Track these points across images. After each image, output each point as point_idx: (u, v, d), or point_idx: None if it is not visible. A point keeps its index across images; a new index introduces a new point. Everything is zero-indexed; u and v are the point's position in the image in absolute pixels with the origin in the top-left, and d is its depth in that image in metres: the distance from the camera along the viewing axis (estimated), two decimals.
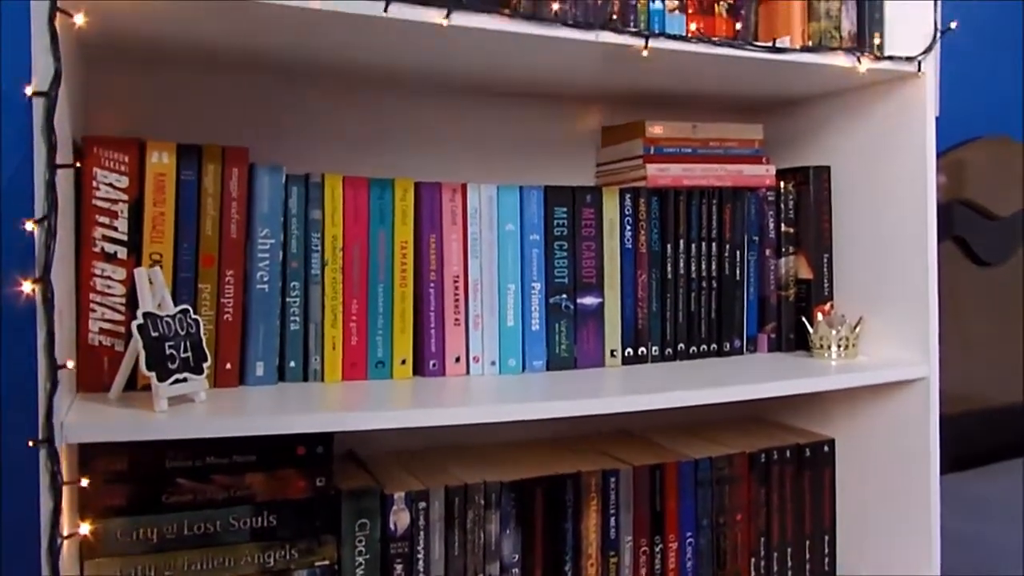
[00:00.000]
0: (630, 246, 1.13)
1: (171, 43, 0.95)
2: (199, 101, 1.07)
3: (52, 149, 0.73)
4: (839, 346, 1.14)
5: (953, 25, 1.12)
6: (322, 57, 1.01)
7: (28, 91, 0.72)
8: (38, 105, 0.72)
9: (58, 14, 0.73)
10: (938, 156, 1.70)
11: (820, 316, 1.18)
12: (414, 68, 1.07)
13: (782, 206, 1.24)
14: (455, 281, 1.04)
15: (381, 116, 1.16)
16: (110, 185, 0.88)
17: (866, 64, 1.07)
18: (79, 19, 0.76)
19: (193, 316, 0.85)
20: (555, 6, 0.93)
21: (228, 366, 0.92)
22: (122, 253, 0.88)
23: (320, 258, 0.97)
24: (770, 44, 1.03)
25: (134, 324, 0.78)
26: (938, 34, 1.11)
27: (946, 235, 1.68)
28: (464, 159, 1.21)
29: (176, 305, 0.84)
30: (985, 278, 1.74)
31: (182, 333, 0.82)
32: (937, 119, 1.68)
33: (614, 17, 1.00)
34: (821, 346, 1.16)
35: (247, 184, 0.94)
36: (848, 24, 1.16)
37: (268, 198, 0.95)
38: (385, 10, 0.83)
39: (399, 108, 1.17)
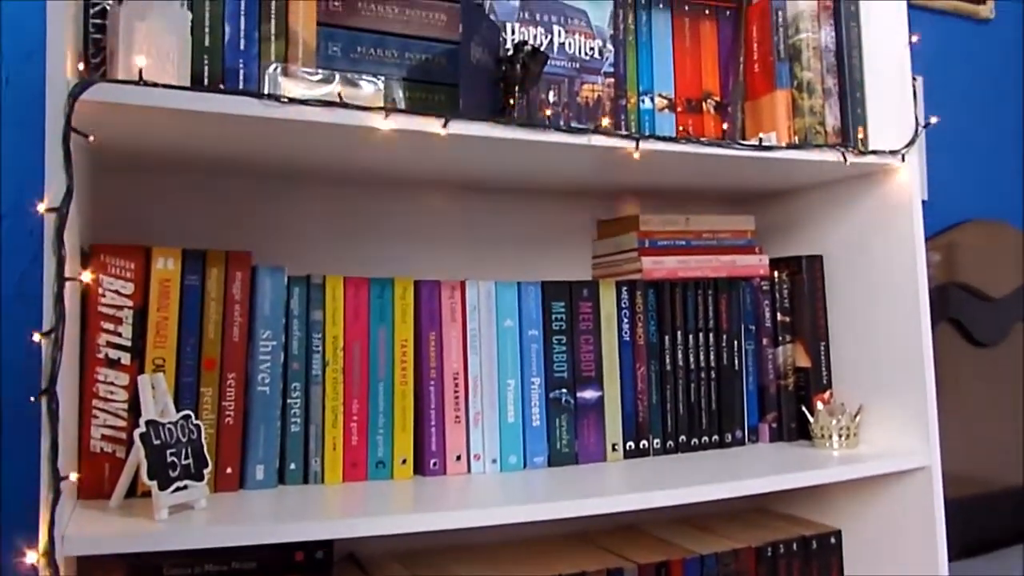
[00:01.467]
0: (628, 339, 1.14)
1: (175, 151, 0.98)
2: (202, 203, 1.10)
3: (61, 262, 0.74)
4: (840, 435, 1.14)
5: (933, 120, 1.16)
6: (323, 161, 1.04)
7: (40, 207, 0.74)
8: (49, 220, 0.75)
9: (73, 135, 0.76)
10: (931, 238, 1.74)
11: (820, 405, 1.18)
12: (413, 169, 1.10)
13: (777, 295, 1.25)
14: (455, 378, 1.04)
15: (380, 214, 1.19)
16: (116, 292, 0.90)
17: (851, 159, 1.10)
18: (91, 139, 0.79)
19: (195, 422, 0.85)
20: (548, 112, 0.97)
21: (229, 470, 0.92)
22: (125, 359, 0.89)
23: (321, 358, 0.98)
24: (756, 143, 1.06)
25: (137, 433, 0.79)
26: (920, 128, 1.14)
27: (943, 317, 1.70)
28: (463, 254, 1.23)
29: (178, 410, 0.85)
30: (983, 358, 1.75)
31: (184, 440, 0.83)
32: (927, 203, 1.73)
33: (605, 122, 1.03)
34: (822, 435, 1.15)
35: (250, 287, 0.95)
36: (832, 119, 1.20)
37: (270, 300, 0.96)
38: (385, 120, 0.86)
39: (398, 205, 1.20)
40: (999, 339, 1.77)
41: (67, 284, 0.75)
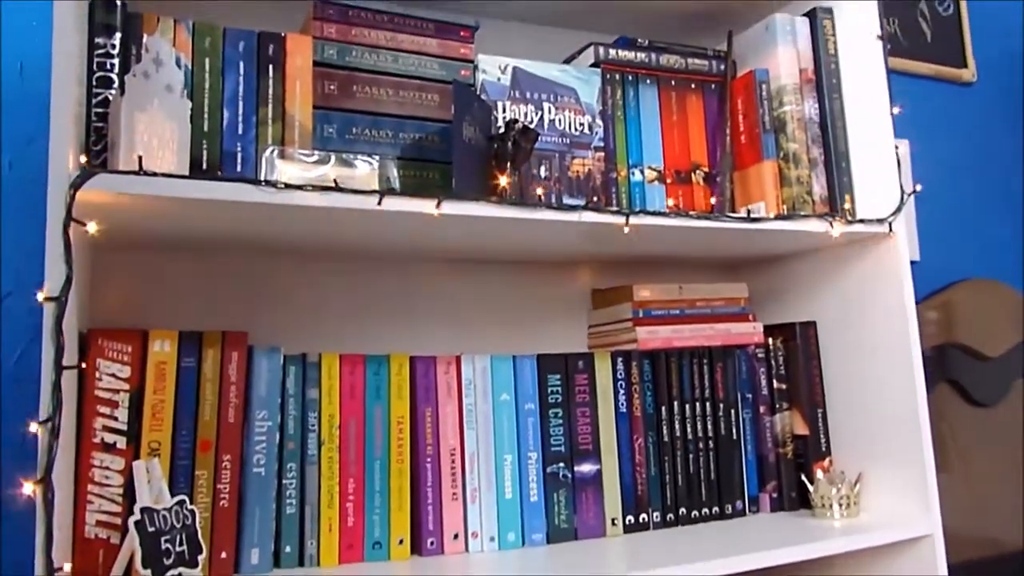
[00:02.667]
0: (625, 410, 1.14)
1: (173, 233, 1.00)
2: (199, 279, 1.11)
3: (60, 351, 0.75)
4: (841, 505, 1.13)
5: (918, 188, 1.18)
6: (318, 239, 1.06)
7: (40, 296, 0.75)
8: (49, 309, 0.75)
9: (72, 224, 0.77)
10: (926, 299, 1.75)
11: (820, 474, 1.17)
12: (408, 244, 1.12)
13: (772, 363, 1.26)
14: (452, 454, 1.04)
15: (375, 288, 1.20)
16: (112, 375, 0.90)
17: (838, 228, 1.12)
18: (92, 227, 0.81)
19: (189, 507, 0.84)
20: (539, 191, 0.99)
21: (223, 555, 0.91)
22: (121, 443, 0.89)
23: (317, 437, 0.98)
24: (744, 215, 1.08)
25: (131, 520, 0.78)
26: (905, 196, 1.16)
27: (941, 378, 1.70)
28: (458, 327, 1.24)
29: (173, 495, 0.84)
30: (983, 419, 1.74)
31: (178, 526, 0.82)
32: (919, 263, 1.75)
33: (596, 199, 1.05)
34: (823, 505, 1.14)
35: (246, 367, 0.96)
36: (819, 188, 1.22)
37: (266, 380, 0.97)
38: (379, 203, 0.88)
39: (393, 279, 1.21)
40: (998, 399, 1.77)
41: (64, 372, 0.75)
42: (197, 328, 0.99)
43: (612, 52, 1.21)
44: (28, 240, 1.10)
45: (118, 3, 0.95)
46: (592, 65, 1.21)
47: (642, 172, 1.20)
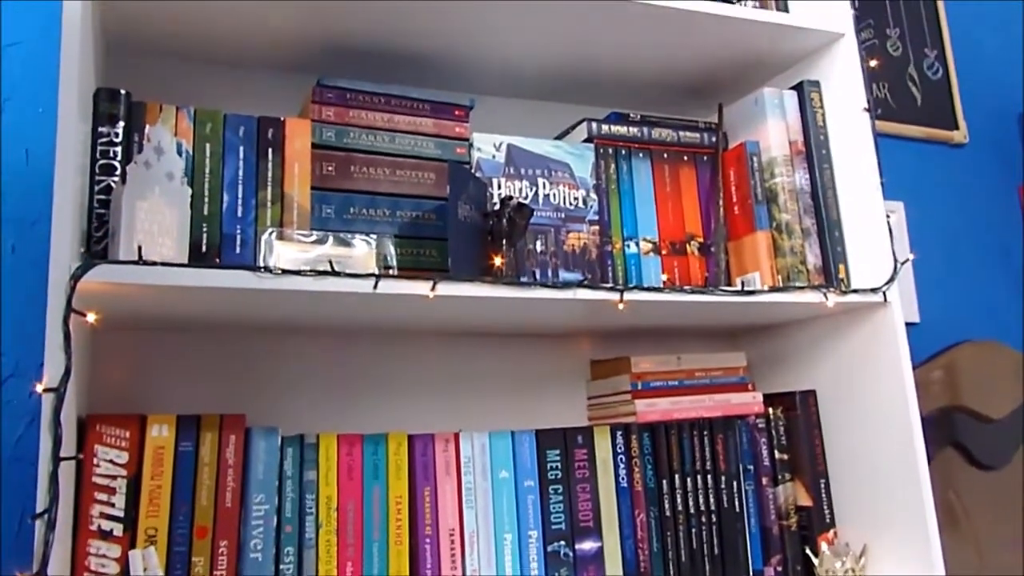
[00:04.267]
0: (625, 484, 1.13)
1: (171, 316, 1.01)
2: (196, 359, 1.12)
3: (57, 443, 0.75)
4: None
5: (911, 257, 1.19)
6: (315, 319, 1.07)
7: (39, 388, 0.76)
8: (47, 400, 0.76)
9: (72, 315, 0.78)
10: (927, 361, 1.74)
11: (824, 547, 1.16)
12: (404, 321, 1.12)
13: (773, 433, 1.25)
14: (451, 534, 1.03)
15: (372, 364, 1.21)
16: (110, 462, 0.90)
17: (833, 299, 1.13)
18: (91, 318, 0.82)
19: None
20: (537, 272, 1.00)
21: None
22: (118, 530, 0.89)
23: (315, 520, 0.97)
24: (739, 288, 1.09)
25: None
26: (898, 266, 1.17)
27: (947, 442, 1.68)
28: (456, 401, 1.24)
29: None
30: (990, 482, 1.72)
31: None
32: (919, 325, 1.75)
33: (589, 277, 1.07)
34: None
35: (243, 450, 0.96)
36: (813, 258, 1.23)
37: (264, 463, 0.97)
38: (375, 287, 0.89)
39: (390, 355, 1.22)
40: (1004, 461, 1.75)
41: (62, 462, 0.76)
42: (195, 407, 1.00)
43: (605, 127, 1.24)
44: (29, 322, 1.11)
45: (122, 92, 0.98)
46: (585, 140, 1.23)
47: (637, 244, 1.22)
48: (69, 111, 0.82)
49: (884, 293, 1.16)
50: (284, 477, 0.98)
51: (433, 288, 0.91)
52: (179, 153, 0.96)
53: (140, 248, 0.83)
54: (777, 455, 1.24)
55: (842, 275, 1.21)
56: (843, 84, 1.27)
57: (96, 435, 0.90)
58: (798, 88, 1.29)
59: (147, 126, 0.97)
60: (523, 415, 1.27)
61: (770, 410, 1.26)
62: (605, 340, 1.35)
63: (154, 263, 0.82)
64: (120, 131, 0.96)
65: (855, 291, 1.15)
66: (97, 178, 0.95)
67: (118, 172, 0.95)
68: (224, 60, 1.21)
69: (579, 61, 1.29)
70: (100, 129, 0.96)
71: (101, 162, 0.95)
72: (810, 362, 1.31)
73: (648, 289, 1.04)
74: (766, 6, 1.32)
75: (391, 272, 1.02)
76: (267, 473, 0.96)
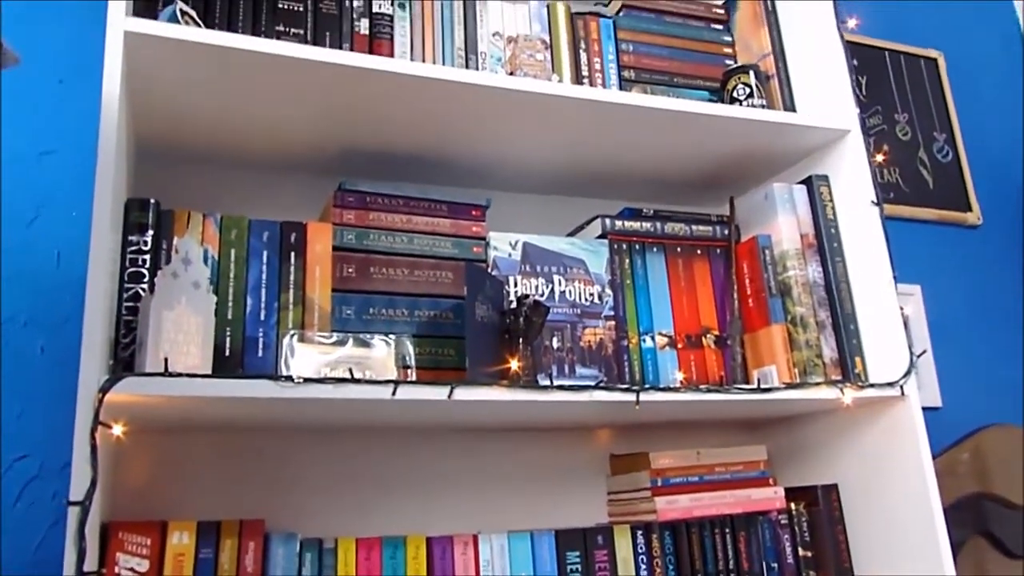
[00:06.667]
0: None
1: (193, 421, 1.03)
2: (216, 460, 1.12)
3: (82, 556, 0.76)
4: None
5: (926, 350, 1.20)
6: (335, 423, 1.08)
7: (65, 503, 0.77)
8: (72, 514, 0.77)
9: (99, 427, 0.80)
10: (952, 447, 1.71)
11: None
12: (423, 421, 1.13)
13: (796, 529, 1.23)
14: None
15: (391, 464, 1.21)
16: (131, 570, 0.91)
17: (850, 395, 1.13)
18: (118, 430, 0.83)
19: None
20: (554, 370, 1.01)
21: None
22: None
23: None
24: (755, 385, 1.10)
25: None
26: (915, 359, 1.17)
27: (976, 531, 1.64)
28: (475, 499, 1.23)
29: None
30: (1021, 571, 1.67)
31: None
32: (941, 410, 1.73)
33: (604, 378, 1.07)
34: None
35: (262, 556, 0.96)
36: (829, 351, 1.23)
37: (282, 568, 0.96)
38: (393, 393, 0.91)
39: (409, 455, 1.22)
40: None
41: None
42: (214, 507, 1.00)
43: (618, 223, 1.26)
44: (58, 423, 1.13)
45: (151, 202, 1.01)
46: (599, 236, 1.26)
47: (653, 339, 1.22)
48: (102, 221, 0.85)
49: (901, 387, 1.16)
50: None
51: (451, 395, 0.92)
52: (205, 261, 0.99)
53: (166, 360, 0.85)
54: (801, 552, 1.22)
55: (859, 368, 1.21)
56: (851, 178, 1.29)
57: (118, 543, 0.91)
58: (807, 182, 1.31)
59: (175, 237, 1.00)
60: (543, 511, 1.26)
61: (792, 505, 1.24)
62: (625, 433, 1.35)
63: (179, 375, 0.84)
64: (149, 239, 1.00)
65: (872, 385, 1.15)
66: (126, 285, 0.98)
67: (146, 280, 0.98)
68: (249, 164, 1.26)
69: (591, 159, 1.33)
70: (130, 238, 0.99)
71: (130, 270, 0.98)
72: (830, 454, 1.29)
73: (664, 389, 1.04)
74: (773, 105, 1.36)
75: (409, 371, 1.03)
76: None
